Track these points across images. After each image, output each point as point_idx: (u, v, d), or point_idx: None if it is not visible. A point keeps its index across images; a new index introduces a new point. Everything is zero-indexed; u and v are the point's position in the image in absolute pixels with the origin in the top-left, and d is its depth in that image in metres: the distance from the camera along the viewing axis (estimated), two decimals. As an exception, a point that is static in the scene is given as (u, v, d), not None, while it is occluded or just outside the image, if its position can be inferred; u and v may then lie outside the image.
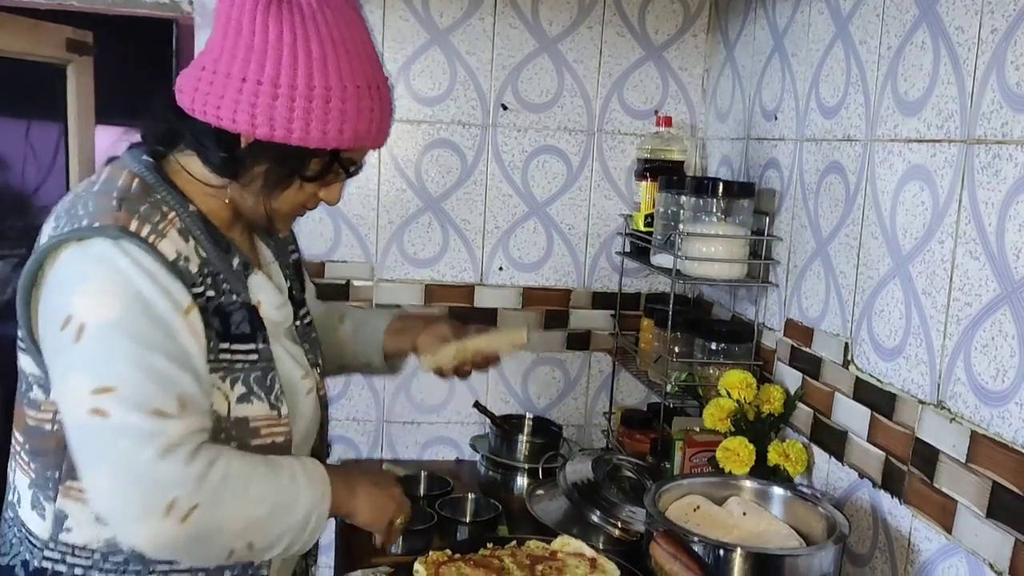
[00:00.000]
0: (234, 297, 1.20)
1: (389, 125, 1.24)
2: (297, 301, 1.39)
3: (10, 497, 1.24)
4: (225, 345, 1.18)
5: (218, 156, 1.17)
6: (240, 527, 1.13)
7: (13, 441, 1.23)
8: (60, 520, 1.17)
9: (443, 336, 1.51)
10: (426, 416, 2.34)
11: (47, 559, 1.19)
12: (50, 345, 1.11)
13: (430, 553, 1.43)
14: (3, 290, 2.42)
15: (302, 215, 1.29)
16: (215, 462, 1.10)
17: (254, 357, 1.21)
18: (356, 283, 2.28)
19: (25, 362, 1.19)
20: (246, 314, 1.21)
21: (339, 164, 1.21)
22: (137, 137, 1.25)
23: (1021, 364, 1.20)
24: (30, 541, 1.20)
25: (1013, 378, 1.21)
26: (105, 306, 1.07)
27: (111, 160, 1.24)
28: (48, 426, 1.17)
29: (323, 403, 1.40)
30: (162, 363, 1.08)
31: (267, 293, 1.27)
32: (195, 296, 1.14)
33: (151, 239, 1.11)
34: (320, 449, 1.43)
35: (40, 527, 1.19)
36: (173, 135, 1.21)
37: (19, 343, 1.19)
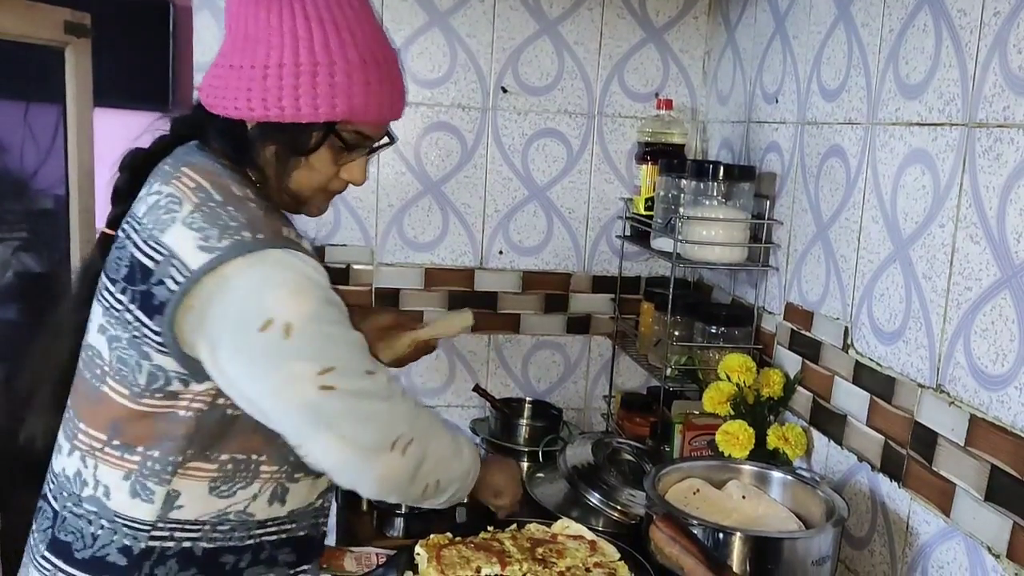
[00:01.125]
0: None
1: (397, 99, 1.26)
2: None
3: (86, 492, 1.23)
4: None
5: (230, 146, 1.23)
6: (435, 462, 1.25)
7: (87, 439, 1.22)
8: (172, 500, 1.20)
9: (388, 325, 1.57)
10: (426, 399, 2.35)
11: (154, 538, 1.20)
12: (249, 347, 1.15)
13: (431, 536, 1.43)
14: (1, 274, 2.42)
15: (331, 196, 1.31)
16: (418, 405, 1.27)
17: None
18: (356, 267, 2.28)
19: (163, 361, 1.17)
20: None
21: (339, 139, 1.22)
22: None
23: (1021, 348, 1.20)
24: (130, 527, 1.20)
25: (1013, 362, 1.21)
26: (302, 304, 1.15)
27: (176, 155, 1.26)
28: (183, 412, 1.18)
29: None
30: (354, 335, 1.21)
31: None
32: None
33: (303, 243, 1.20)
34: None
35: (145, 511, 1.20)
36: (206, 135, 1.26)
37: (153, 344, 1.17)
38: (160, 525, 1.20)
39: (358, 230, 2.26)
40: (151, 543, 1.20)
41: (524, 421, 2.13)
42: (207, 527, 1.22)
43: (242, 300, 1.14)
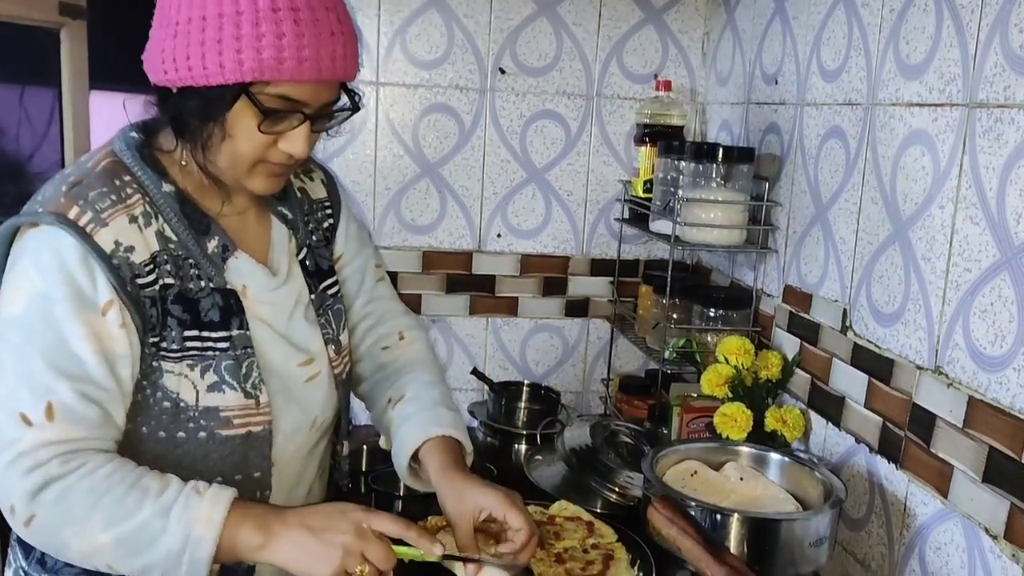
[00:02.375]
0: (203, 283, 1.18)
1: (327, 54, 1.09)
2: (319, 272, 1.35)
3: None
4: (192, 333, 1.16)
5: (164, 117, 1.16)
6: (85, 548, 1.07)
7: None
8: None
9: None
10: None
11: None
12: None
13: (429, 518, 1.43)
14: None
15: (277, 171, 1.18)
16: (55, 481, 1.06)
17: (225, 345, 1.19)
18: (354, 250, 2.27)
19: None
20: (218, 300, 1.19)
21: (254, 103, 1.09)
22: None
23: (1019, 329, 1.19)
24: None
25: (1011, 343, 1.21)
26: (14, 301, 1.09)
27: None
28: None
29: (338, 383, 1.36)
30: (39, 368, 1.06)
31: (255, 276, 1.24)
32: (141, 287, 1.12)
33: (89, 228, 1.09)
34: (334, 435, 1.40)
35: None
36: (151, 108, 1.20)
37: None
38: None
39: (356, 213, 2.25)
40: None
41: (522, 404, 2.13)
42: None
43: (5, 274, 1.13)
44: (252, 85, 1.08)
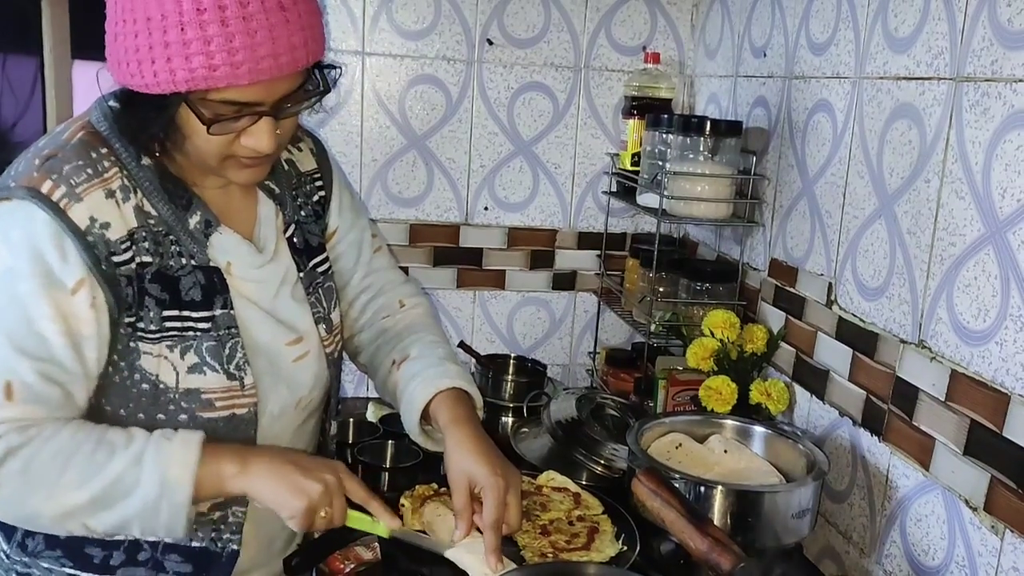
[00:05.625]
0: (184, 260, 1.15)
1: (265, 52, 1.01)
2: (308, 250, 1.32)
3: None
4: (172, 312, 1.14)
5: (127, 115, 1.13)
6: (57, 512, 1.07)
7: None
8: None
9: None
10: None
11: None
12: None
13: (416, 487, 1.43)
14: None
15: (249, 164, 1.14)
16: (17, 450, 1.05)
17: (207, 325, 1.16)
18: (340, 222, 2.25)
19: None
20: (200, 278, 1.16)
21: (193, 111, 1.04)
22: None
23: (1002, 304, 1.20)
24: None
25: (994, 317, 1.21)
26: None
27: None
28: None
29: (329, 362, 1.33)
30: (2, 345, 1.05)
31: (239, 253, 1.21)
32: (116, 264, 1.09)
33: (63, 203, 1.06)
34: (323, 414, 1.39)
35: None
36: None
37: None
38: None
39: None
40: None
41: (509, 377, 2.13)
42: None
43: None
44: (192, 93, 1.03)
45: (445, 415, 1.29)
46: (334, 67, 1.14)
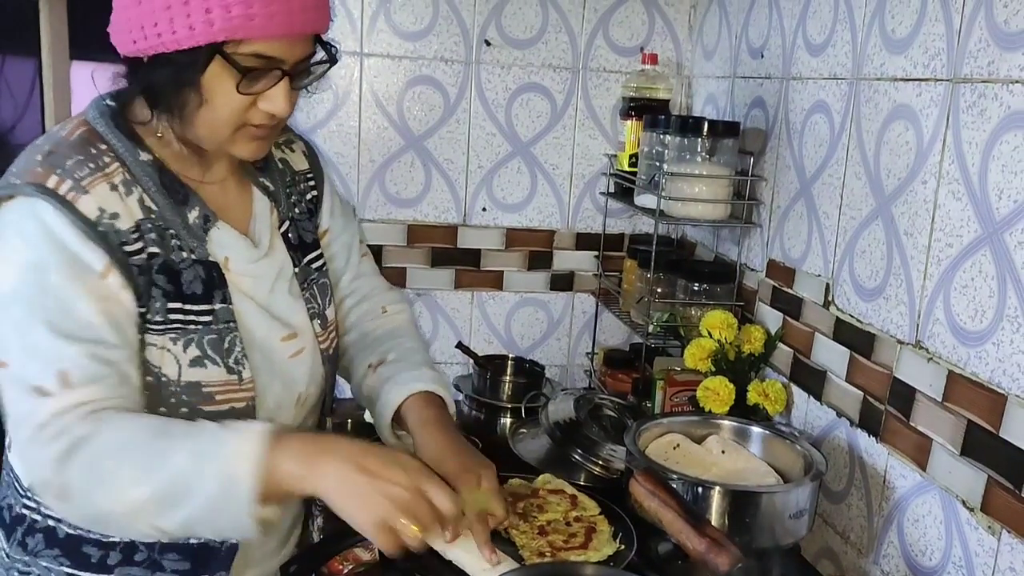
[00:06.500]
0: (184, 254, 1.15)
1: (297, 7, 1.06)
2: (302, 246, 1.33)
3: (6, 441, 1.23)
4: (176, 305, 1.13)
5: (136, 88, 1.13)
6: (125, 509, 1.03)
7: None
8: None
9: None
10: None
11: (26, 507, 1.19)
12: None
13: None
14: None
15: (259, 135, 1.15)
16: (81, 444, 1.02)
17: (208, 318, 1.16)
18: (338, 223, 2.25)
19: None
20: (200, 272, 1.16)
21: (230, 63, 1.05)
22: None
23: (999, 304, 1.20)
24: (16, 486, 1.20)
25: (991, 318, 1.22)
26: (4, 275, 1.04)
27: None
28: None
29: (324, 359, 1.33)
30: (44, 337, 1.03)
31: (236, 248, 1.21)
32: (128, 254, 1.09)
33: (70, 196, 1.06)
34: (318, 410, 1.38)
35: (23, 474, 1.18)
36: (122, 79, 1.16)
37: None
38: (30, 494, 1.18)
39: (340, 185, 2.24)
40: (23, 510, 1.19)
41: (507, 378, 2.14)
42: None
43: None
44: (225, 45, 1.05)
45: (414, 416, 1.29)
46: (334, 45, 1.17)
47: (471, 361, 2.16)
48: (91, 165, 1.09)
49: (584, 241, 2.37)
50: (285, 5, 1.04)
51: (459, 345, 2.18)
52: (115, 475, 1.02)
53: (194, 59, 1.05)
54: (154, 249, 1.12)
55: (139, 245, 1.11)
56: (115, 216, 1.09)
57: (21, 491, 1.19)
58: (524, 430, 1.86)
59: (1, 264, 1.05)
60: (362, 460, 1.05)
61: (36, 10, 2.51)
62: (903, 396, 1.39)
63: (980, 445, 1.23)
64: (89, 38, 2.65)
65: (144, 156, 1.14)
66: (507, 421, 2.04)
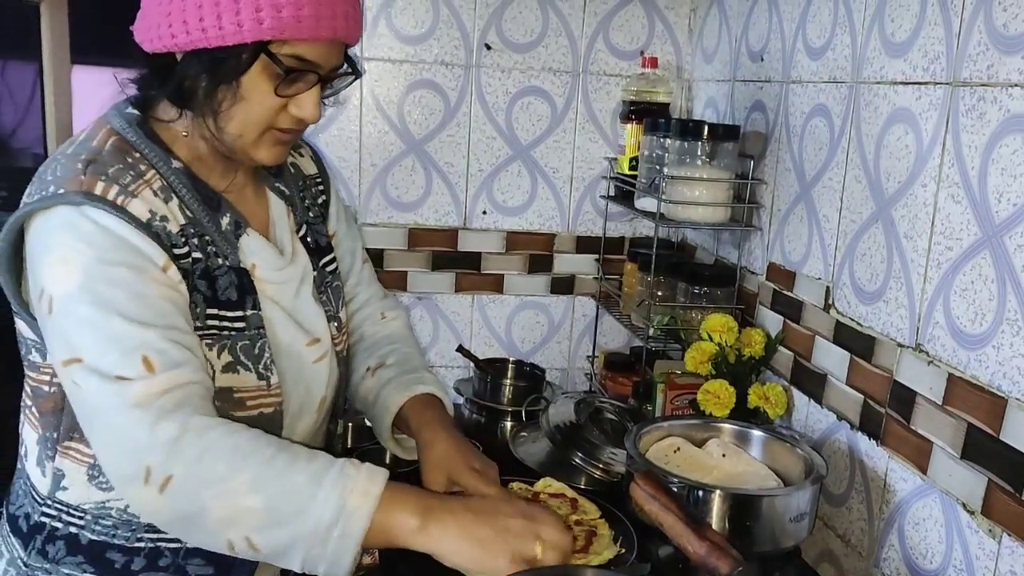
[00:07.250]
0: (220, 260, 1.16)
1: (340, 14, 1.08)
2: (319, 249, 1.34)
3: (21, 450, 1.24)
4: (213, 311, 1.14)
5: (163, 85, 1.12)
6: (227, 514, 0.99)
7: (24, 396, 1.22)
8: (58, 479, 1.17)
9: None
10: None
11: (45, 515, 1.19)
12: (38, 316, 1.08)
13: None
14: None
15: (282, 139, 1.16)
16: (192, 432, 1.00)
17: (241, 325, 1.16)
18: (339, 226, 2.26)
19: (20, 326, 1.16)
20: (234, 278, 1.17)
21: (274, 61, 1.06)
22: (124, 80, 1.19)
23: (999, 308, 1.20)
24: (33, 495, 1.20)
25: (991, 321, 1.22)
26: (67, 276, 1.03)
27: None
28: (46, 388, 1.16)
29: (339, 361, 1.34)
30: (121, 326, 1.02)
31: (264, 255, 1.22)
32: (177, 256, 1.10)
33: (120, 200, 1.06)
34: (331, 413, 1.38)
35: (42, 483, 1.19)
36: (145, 80, 1.16)
37: (13, 308, 1.15)
38: (50, 502, 1.18)
39: (341, 190, 2.24)
40: (43, 518, 1.19)
41: (507, 381, 2.14)
42: (89, 517, 1.16)
43: (30, 262, 1.08)
44: (270, 44, 1.05)
45: (416, 418, 1.30)
46: (356, 58, 1.19)
47: (472, 364, 2.16)
48: (132, 173, 1.09)
49: (584, 244, 2.37)
50: (331, 9, 1.06)
51: (460, 348, 2.18)
52: (229, 478, 0.99)
53: (237, 56, 1.05)
54: (197, 254, 1.13)
55: (185, 249, 1.12)
56: (164, 219, 1.10)
57: (39, 500, 1.19)
58: (525, 433, 1.86)
59: (61, 266, 1.04)
60: (471, 504, 1.08)
61: (37, 15, 2.52)
62: (903, 399, 1.39)
63: (980, 448, 1.23)
64: (90, 43, 2.66)
65: (176, 163, 1.15)
66: (508, 424, 2.04)
